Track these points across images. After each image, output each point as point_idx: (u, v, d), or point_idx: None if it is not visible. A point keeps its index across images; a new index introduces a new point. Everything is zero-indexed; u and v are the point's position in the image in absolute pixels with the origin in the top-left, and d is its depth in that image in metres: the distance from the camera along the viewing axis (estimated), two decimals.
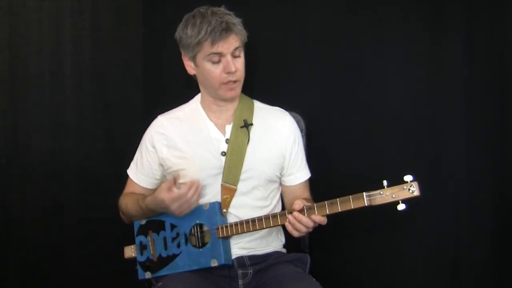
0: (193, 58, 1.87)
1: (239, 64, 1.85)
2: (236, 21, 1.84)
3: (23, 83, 2.41)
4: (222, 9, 1.86)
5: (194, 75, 1.92)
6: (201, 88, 1.95)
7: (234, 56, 1.83)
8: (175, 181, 1.78)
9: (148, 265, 1.91)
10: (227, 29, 1.80)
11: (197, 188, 1.78)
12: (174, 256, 1.86)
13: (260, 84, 2.20)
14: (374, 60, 2.18)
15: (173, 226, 1.87)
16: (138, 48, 2.37)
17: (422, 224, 2.15)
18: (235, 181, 1.85)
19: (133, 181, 2.00)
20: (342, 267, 2.23)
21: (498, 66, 2.09)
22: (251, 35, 1.93)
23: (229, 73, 1.82)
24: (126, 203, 1.96)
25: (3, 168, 2.42)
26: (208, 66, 1.84)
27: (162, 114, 1.99)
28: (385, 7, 2.17)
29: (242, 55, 1.87)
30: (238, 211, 1.86)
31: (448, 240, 2.15)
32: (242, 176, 1.86)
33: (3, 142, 2.42)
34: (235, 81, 1.85)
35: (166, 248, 1.88)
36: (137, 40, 2.37)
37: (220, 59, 1.82)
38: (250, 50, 1.95)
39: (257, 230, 1.80)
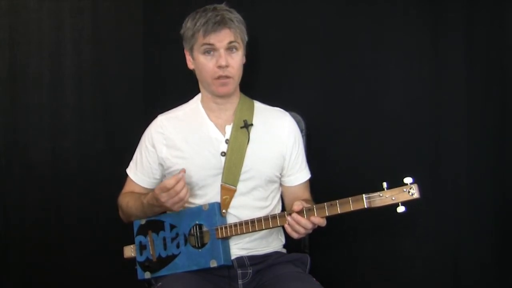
0: (191, 51, 1.89)
1: (234, 61, 1.85)
2: (234, 17, 1.85)
3: (23, 83, 2.41)
4: (224, 6, 1.88)
5: (193, 69, 1.93)
6: (199, 85, 1.96)
7: (229, 52, 1.84)
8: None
9: (148, 265, 1.91)
10: (220, 22, 1.81)
11: (183, 180, 1.76)
12: (174, 256, 1.86)
13: (260, 84, 2.19)
14: (374, 60, 2.18)
15: (172, 227, 1.87)
16: (138, 48, 2.37)
17: (422, 225, 2.15)
18: (235, 182, 1.85)
19: (132, 180, 2.00)
20: (342, 267, 2.23)
21: (498, 66, 2.08)
22: (251, 35, 1.94)
23: (220, 67, 1.83)
24: (127, 201, 1.96)
25: (3, 168, 2.42)
26: (202, 58, 1.85)
27: (162, 114, 1.99)
28: (385, 7, 2.16)
29: (239, 52, 1.87)
30: (238, 211, 1.86)
31: (448, 240, 2.15)
32: (242, 177, 1.86)
33: (3, 142, 2.41)
34: (227, 77, 1.85)
35: (165, 249, 1.88)
36: (137, 40, 2.37)
37: (214, 52, 1.83)
38: (251, 50, 1.95)
39: (257, 231, 1.80)
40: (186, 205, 1.89)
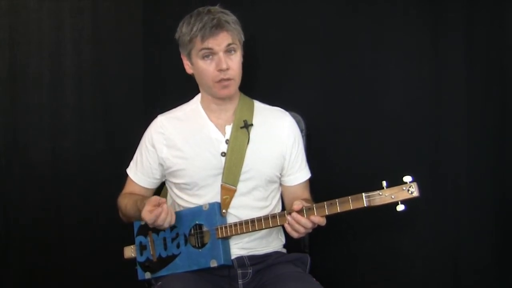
0: (189, 56, 1.88)
1: (233, 63, 1.84)
2: (229, 18, 1.84)
3: (23, 83, 2.41)
4: (218, 7, 1.87)
5: (193, 74, 1.92)
6: (200, 87, 1.95)
7: (228, 54, 1.83)
8: (159, 204, 1.77)
9: (148, 266, 1.91)
10: (217, 26, 1.80)
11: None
12: (174, 256, 1.86)
13: (260, 84, 2.20)
14: (374, 60, 2.18)
15: (172, 227, 1.86)
16: (138, 48, 2.37)
17: (422, 224, 2.15)
18: (235, 182, 1.85)
19: (132, 180, 2.00)
20: (342, 267, 2.23)
21: (498, 66, 2.08)
22: (251, 35, 1.93)
23: (220, 70, 1.82)
24: (126, 204, 1.96)
25: (3, 168, 2.42)
26: (201, 63, 1.84)
27: (162, 114, 1.99)
28: (385, 7, 2.16)
29: (238, 53, 1.86)
30: (238, 211, 1.86)
31: (448, 240, 2.15)
32: (242, 177, 1.86)
33: (3, 142, 2.42)
34: (228, 79, 1.84)
35: (165, 249, 1.88)
36: (137, 40, 2.37)
37: (213, 56, 1.82)
38: (250, 50, 1.95)
39: (257, 230, 1.80)
40: (187, 205, 1.90)
